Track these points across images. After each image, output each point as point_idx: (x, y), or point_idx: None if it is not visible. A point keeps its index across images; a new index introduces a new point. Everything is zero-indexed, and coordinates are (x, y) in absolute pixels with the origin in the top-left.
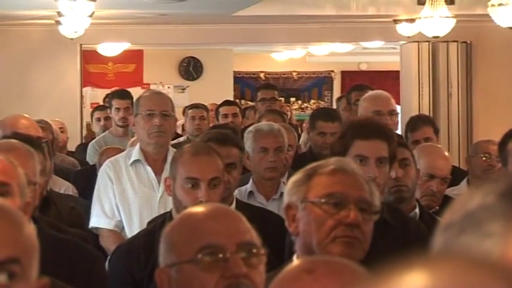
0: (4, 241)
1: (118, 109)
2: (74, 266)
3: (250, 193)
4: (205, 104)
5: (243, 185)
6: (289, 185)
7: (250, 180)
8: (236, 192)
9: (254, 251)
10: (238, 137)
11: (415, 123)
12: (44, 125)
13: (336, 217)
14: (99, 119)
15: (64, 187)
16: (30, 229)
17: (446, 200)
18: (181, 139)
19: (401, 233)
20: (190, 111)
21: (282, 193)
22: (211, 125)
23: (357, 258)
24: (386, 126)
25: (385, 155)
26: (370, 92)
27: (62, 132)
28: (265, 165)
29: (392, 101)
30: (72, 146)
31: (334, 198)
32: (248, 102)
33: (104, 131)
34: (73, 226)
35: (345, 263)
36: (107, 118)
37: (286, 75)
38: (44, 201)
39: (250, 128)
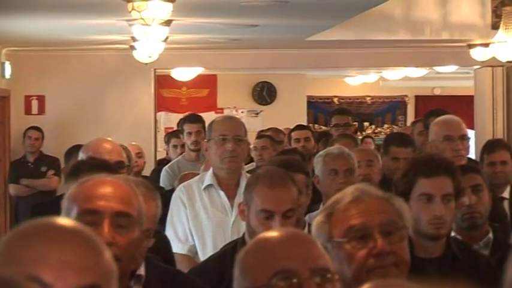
0: (86, 267)
1: (190, 133)
2: None
3: None
4: (280, 128)
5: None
6: (314, 226)
7: (321, 205)
8: (307, 218)
9: (328, 276)
10: (303, 163)
11: (493, 145)
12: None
13: (363, 251)
14: (175, 146)
15: None
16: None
17: None
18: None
19: (471, 266)
20: (254, 141)
21: None
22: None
23: None
24: (449, 162)
25: (450, 192)
26: (441, 117)
27: (139, 157)
28: (335, 187)
29: (464, 125)
30: (146, 171)
31: (355, 232)
32: (321, 126)
33: None
34: (158, 250)
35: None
36: (184, 145)
37: (359, 100)
38: None
39: (320, 153)
